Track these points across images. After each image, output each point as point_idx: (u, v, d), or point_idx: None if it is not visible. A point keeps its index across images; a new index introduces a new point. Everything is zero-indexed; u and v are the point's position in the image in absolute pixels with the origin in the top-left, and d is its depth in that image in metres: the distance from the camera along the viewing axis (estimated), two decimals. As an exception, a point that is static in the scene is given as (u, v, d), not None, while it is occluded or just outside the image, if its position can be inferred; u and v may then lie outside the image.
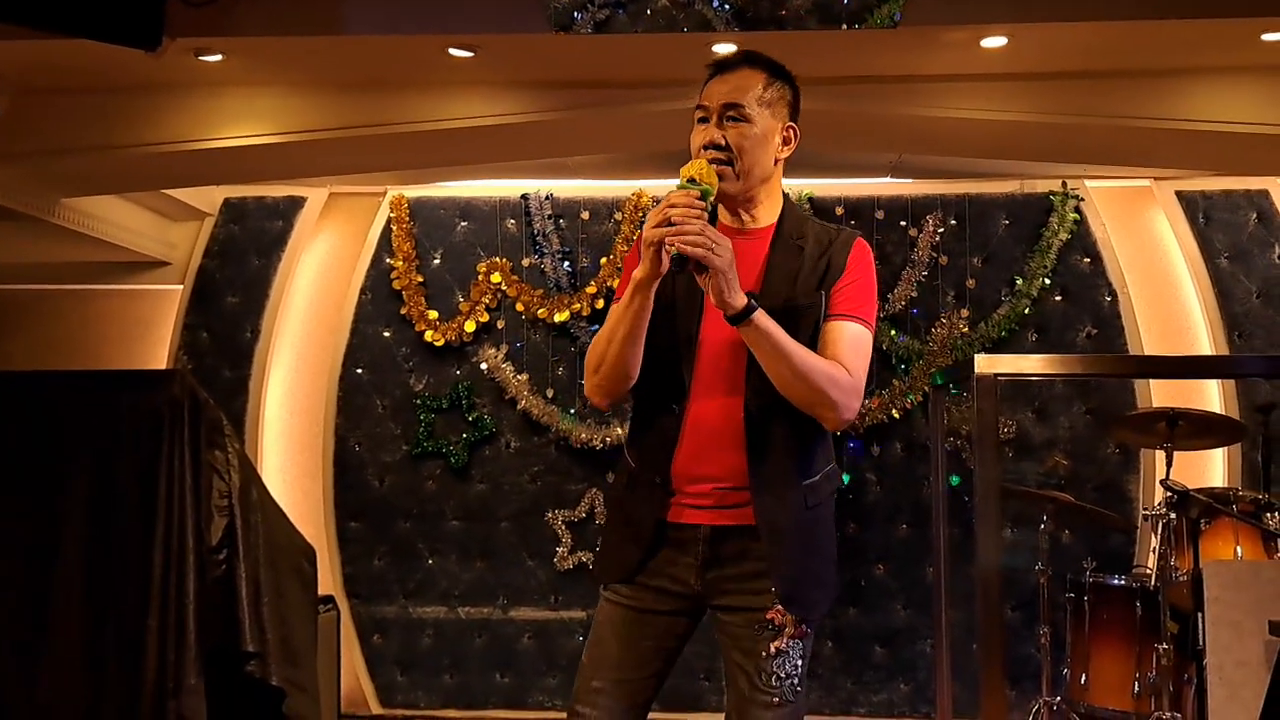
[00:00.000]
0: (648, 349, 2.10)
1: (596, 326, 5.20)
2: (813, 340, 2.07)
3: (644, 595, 2.13)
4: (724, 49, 3.59)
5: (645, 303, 2.03)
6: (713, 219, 2.02)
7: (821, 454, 2.15)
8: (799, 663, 2.08)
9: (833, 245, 2.14)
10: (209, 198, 5.29)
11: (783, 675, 2.06)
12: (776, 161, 2.17)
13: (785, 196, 2.23)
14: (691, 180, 1.99)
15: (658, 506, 2.11)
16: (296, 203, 5.33)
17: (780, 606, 2.06)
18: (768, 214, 2.18)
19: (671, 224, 1.92)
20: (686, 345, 2.10)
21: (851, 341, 2.07)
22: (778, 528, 2.06)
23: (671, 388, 2.10)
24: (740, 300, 1.93)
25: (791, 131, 2.20)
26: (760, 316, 1.95)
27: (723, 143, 2.09)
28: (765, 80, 2.15)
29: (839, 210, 5.23)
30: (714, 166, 2.05)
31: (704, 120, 2.12)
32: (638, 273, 2.00)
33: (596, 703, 2.12)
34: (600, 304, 5.22)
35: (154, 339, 5.40)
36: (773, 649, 2.06)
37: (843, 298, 2.10)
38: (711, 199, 2.01)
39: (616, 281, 5.19)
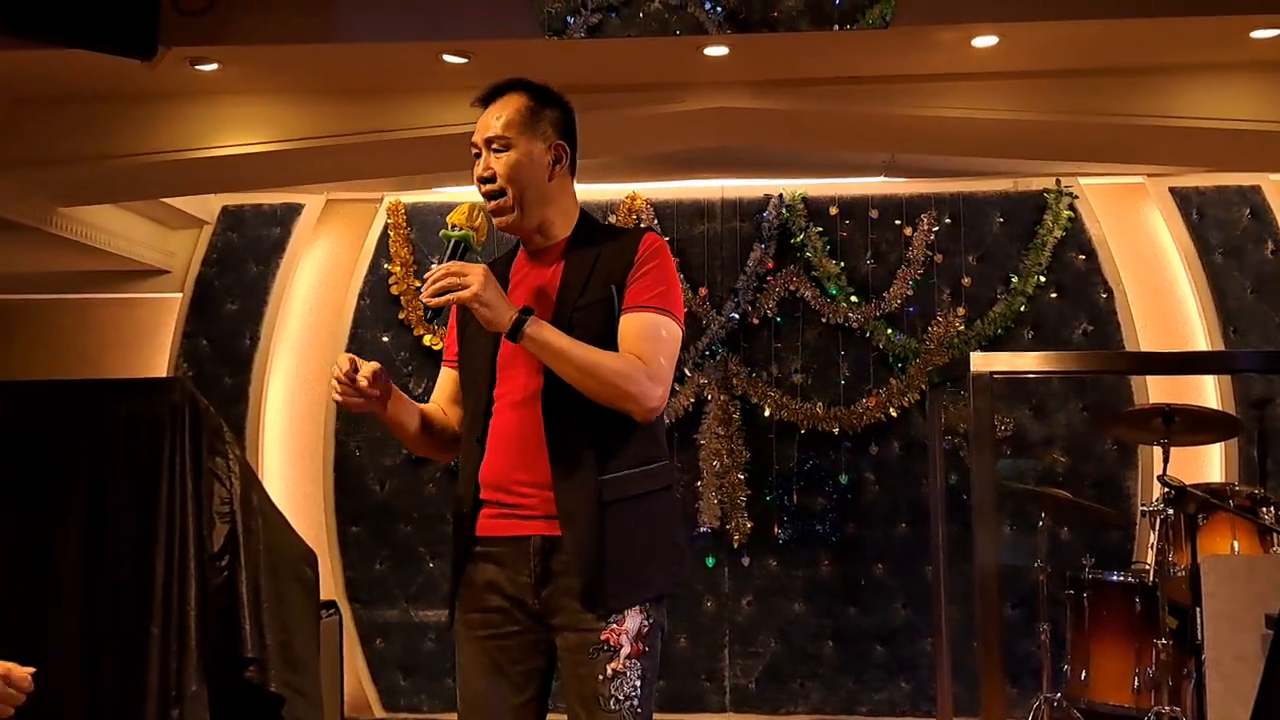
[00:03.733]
0: (462, 380, 2.19)
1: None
2: (613, 335, 2.07)
3: (492, 618, 2.07)
4: (716, 51, 3.61)
5: (388, 417, 2.11)
6: (465, 254, 2.07)
7: (628, 451, 2.07)
8: (638, 684, 2.01)
9: (623, 243, 2.14)
10: (207, 206, 5.30)
11: (620, 698, 1.99)
12: (552, 179, 2.15)
13: (582, 211, 2.23)
14: (454, 226, 2.08)
15: (471, 523, 2.10)
16: (294, 210, 5.35)
17: (614, 626, 2.00)
18: (562, 229, 2.18)
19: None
20: (487, 364, 2.12)
21: (644, 331, 2.05)
22: (572, 521, 2.00)
23: (478, 410, 2.12)
24: (506, 318, 1.96)
25: (561, 149, 2.16)
26: (532, 327, 1.96)
27: (490, 174, 2.11)
28: (521, 102, 2.16)
29: (833, 210, 5.25)
30: (486, 202, 2.11)
31: (477, 155, 2.14)
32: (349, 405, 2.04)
33: None
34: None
35: (154, 347, 5.41)
36: (609, 671, 1.99)
37: (635, 290, 2.08)
38: (473, 239, 2.08)
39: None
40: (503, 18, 3.47)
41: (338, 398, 2.02)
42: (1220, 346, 4.93)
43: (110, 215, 4.88)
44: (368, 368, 2.00)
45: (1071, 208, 5.17)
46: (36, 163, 4.07)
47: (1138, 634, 3.85)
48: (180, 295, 5.37)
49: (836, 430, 5.17)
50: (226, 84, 3.91)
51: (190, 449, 4.24)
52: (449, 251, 2.07)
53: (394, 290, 5.32)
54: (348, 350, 5.34)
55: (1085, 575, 4.03)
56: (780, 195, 5.28)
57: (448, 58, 3.65)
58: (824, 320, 5.22)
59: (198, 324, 5.34)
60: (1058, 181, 5.18)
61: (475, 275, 1.97)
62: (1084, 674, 3.97)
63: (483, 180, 2.11)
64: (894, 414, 5.15)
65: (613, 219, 5.26)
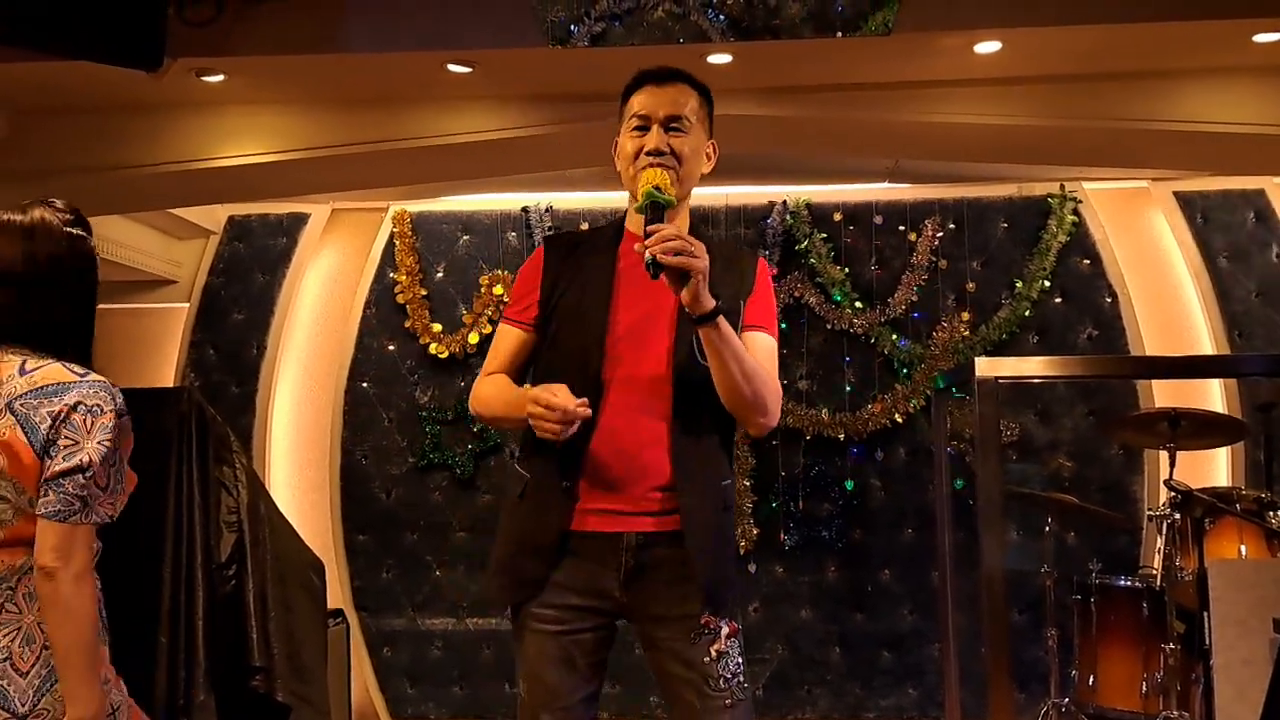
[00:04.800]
0: (558, 354, 2.13)
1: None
2: None
3: (567, 616, 2.08)
4: (720, 59, 3.62)
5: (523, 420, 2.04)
6: (661, 220, 2.02)
7: (730, 459, 2.20)
8: (740, 660, 2.08)
9: (741, 260, 2.20)
10: (213, 216, 5.32)
11: (729, 676, 2.05)
12: (702, 176, 2.20)
13: (692, 214, 2.25)
14: (657, 189, 2.02)
15: (563, 517, 2.06)
16: (300, 219, 5.37)
17: (712, 614, 2.06)
18: (682, 225, 2.16)
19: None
20: (596, 350, 2.08)
21: (768, 352, 2.12)
22: (703, 530, 2.05)
23: (588, 388, 2.04)
24: (710, 301, 1.94)
25: (713, 148, 2.23)
26: (723, 319, 1.97)
27: (667, 149, 2.10)
28: (698, 97, 2.19)
29: (837, 216, 5.25)
30: (665, 173, 2.07)
31: (641, 129, 2.14)
32: (528, 416, 1.99)
33: None
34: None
35: (161, 357, 5.43)
36: (714, 653, 2.05)
37: (756, 310, 2.14)
38: (673, 206, 2.05)
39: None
40: (507, 27, 3.48)
41: (555, 433, 1.95)
42: (1225, 350, 4.92)
43: (117, 226, 4.90)
44: (571, 400, 1.95)
45: (1076, 212, 5.17)
46: (43, 174, 4.09)
47: (1145, 639, 3.84)
48: (187, 305, 5.39)
49: (842, 436, 5.17)
50: (232, 95, 3.93)
51: (197, 458, 4.25)
52: (650, 212, 2.00)
53: (400, 299, 5.34)
54: (353, 360, 5.36)
55: (1092, 580, 4.03)
56: (784, 202, 5.29)
57: (452, 67, 3.66)
58: (829, 326, 5.23)
59: (205, 334, 5.36)
60: (1062, 186, 5.18)
61: (703, 249, 1.93)
62: (1092, 679, 3.96)
63: (656, 153, 2.09)
64: (899, 419, 5.16)
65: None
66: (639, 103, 2.16)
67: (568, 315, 2.13)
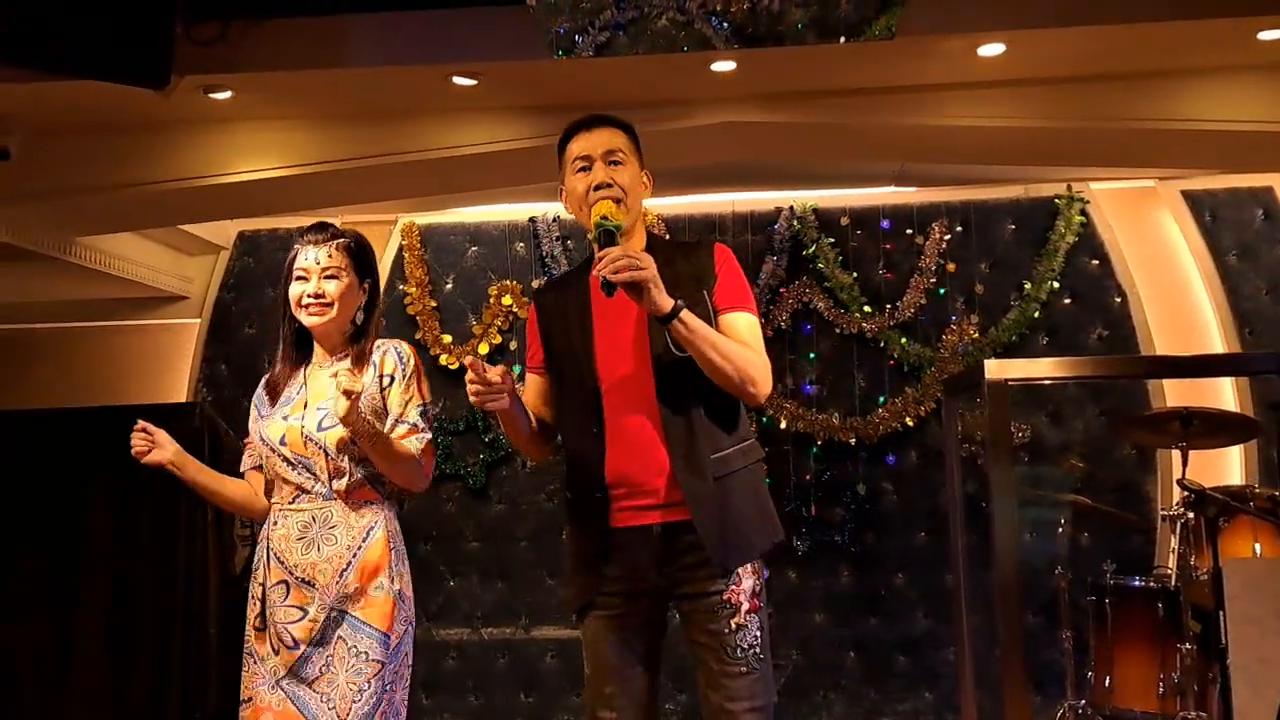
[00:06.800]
0: (563, 384, 2.41)
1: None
2: None
3: (614, 601, 2.34)
4: (724, 67, 3.64)
5: (503, 416, 2.35)
6: (613, 242, 2.24)
7: (730, 434, 2.35)
8: (758, 634, 2.30)
9: (698, 254, 2.41)
10: (223, 231, 5.35)
11: (745, 646, 2.28)
12: (642, 199, 2.46)
13: (647, 229, 2.52)
14: (604, 218, 2.26)
15: (602, 518, 2.32)
16: (309, 233, 5.38)
17: (734, 585, 2.28)
18: (637, 244, 2.42)
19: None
20: (588, 367, 2.34)
21: (748, 328, 2.34)
22: (697, 500, 2.26)
23: (587, 410, 2.33)
24: (668, 303, 2.16)
25: (649, 176, 2.48)
26: (687, 313, 2.19)
27: (611, 181, 2.36)
28: (625, 135, 2.45)
29: (844, 221, 5.26)
30: (612, 203, 2.32)
31: (585, 169, 2.39)
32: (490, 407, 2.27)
33: (614, 704, 2.33)
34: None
35: (173, 372, 5.46)
36: (733, 625, 2.28)
37: (724, 293, 2.35)
38: (621, 230, 2.28)
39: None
40: (511, 39, 3.50)
41: (475, 399, 2.22)
42: (1236, 348, 4.91)
43: (128, 243, 4.93)
44: (495, 369, 2.23)
45: (1083, 213, 5.17)
46: (55, 193, 4.12)
47: (1161, 639, 3.82)
48: (199, 321, 5.42)
49: (853, 441, 5.17)
50: (240, 111, 3.95)
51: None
52: (603, 239, 2.23)
53: (410, 310, 5.35)
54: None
55: (1107, 581, 4.01)
56: (791, 207, 5.29)
57: (457, 79, 3.68)
58: (838, 331, 5.23)
59: (216, 349, 5.38)
60: (1069, 187, 5.18)
61: (649, 260, 2.16)
62: (1108, 680, 3.94)
63: (602, 186, 2.35)
64: (910, 423, 5.15)
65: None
66: (577, 148, 2.43)
67: (561, 349, 2.42)
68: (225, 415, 4.74)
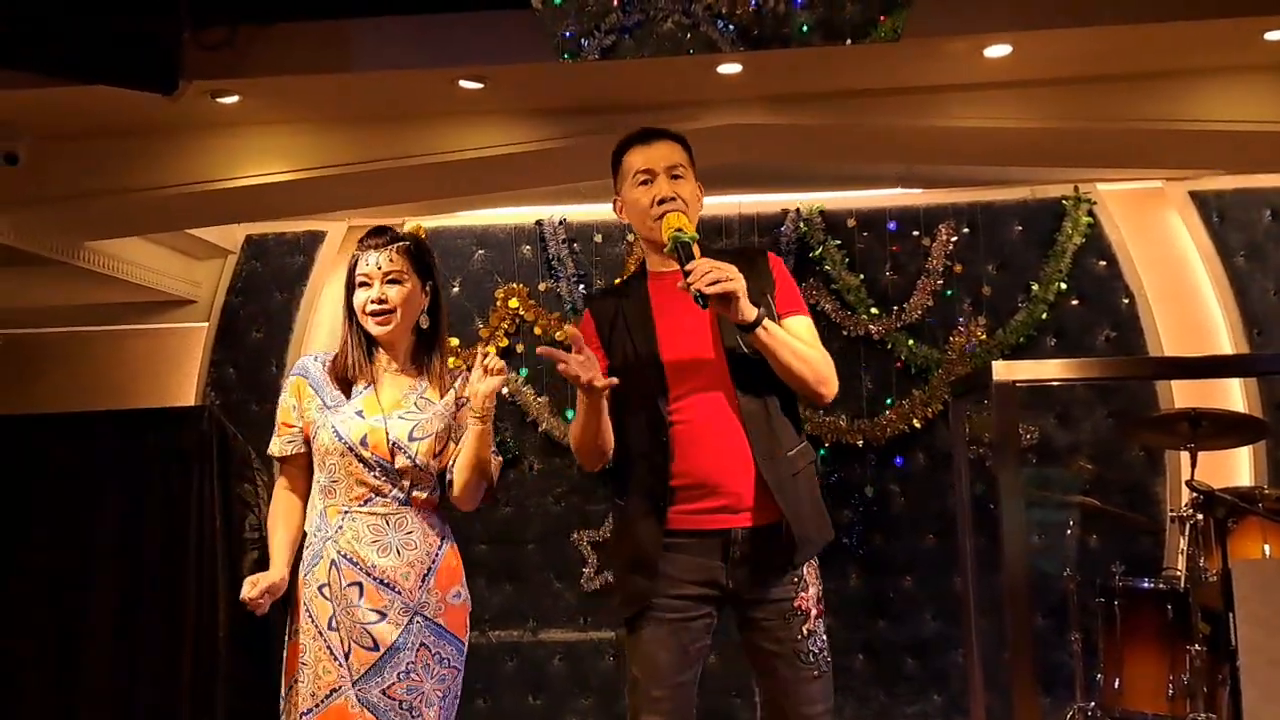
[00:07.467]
0: (624, 388, 2.35)
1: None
2: None
3: (681, 605, 2.34)
4: (730, 69, 3.64)
5: (593, 408, 2.32)
6: (691, 256, 2.26)
7: (797, 434, 2.43)
8: (824, 639, 2.40)
9: (756, 261, 2.44)
10: (231, 235, 5.37)
11: (815, 651, 2.37)
12: (697, 213, 2.48)
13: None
14: (680, 230, 2.28)
15: (658, 527, 2.32)
16: (317, 237, 5.41)
17: (803, 593, 2.36)
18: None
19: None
20: (656, 373, 2.36)
21: (809, 330, 2.42)
22: (782, 494, 2.31)
23: (653, 414, 2.34)
24: (753, 311, 2.22)
25: (702, 189, 2.51)
26: (768, 320, 2.26)
27: (674, 195, 2.39)
28: (684, 150, 2.48)
29: (851, 223, 5.25)
30: (684, 216, 2.35)
31: (647, 182, 2.42)
32: (582, 396, 2.29)
33: (661, 710, 2.35)
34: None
35: (181, 376, 5.47)
36: (805, 631, 2.36)
37: (783, 299, 2.42)
38: (696, 242, 2.30)
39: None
40: (517, 42, 3.51)
41: (579, 371, 2.22)
42: (1244, 349, 4.90)
43: (137, 247, 4.95)
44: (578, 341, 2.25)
45: (1090, 214, 5.16)
46: (63, 197, 4.14)
47: (1171, 641, 3.81)
48: (206, 325, 5.43)
49: (861, 443, 5.17)
50: (247, 115, 3.96)
51: (219, 476, 4.29)
52: (683, 252, 2.26)
53: (416, 314, 5.35)
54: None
55: (1116, 583, 4.00)
56: (797, 209, 5.29)
57: (464, 83, 3.69)
58: (845, 333, 5.22)
59: (224, 353, 5.39)
60: (1076, 188, 5.17)
61: (736, 271, 2.20)
62: (1118, 682, 3.94)
63: (665, 200, 2.38)
64: (918, 425, 5.14)
65: (630, 238, 5.28)
66: (638, 160, 2.44)
67: (623, 356, 2.42)
68: (233, 419, 4.75)
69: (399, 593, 2.45)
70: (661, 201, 2.37)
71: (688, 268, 2.18)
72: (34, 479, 4.39)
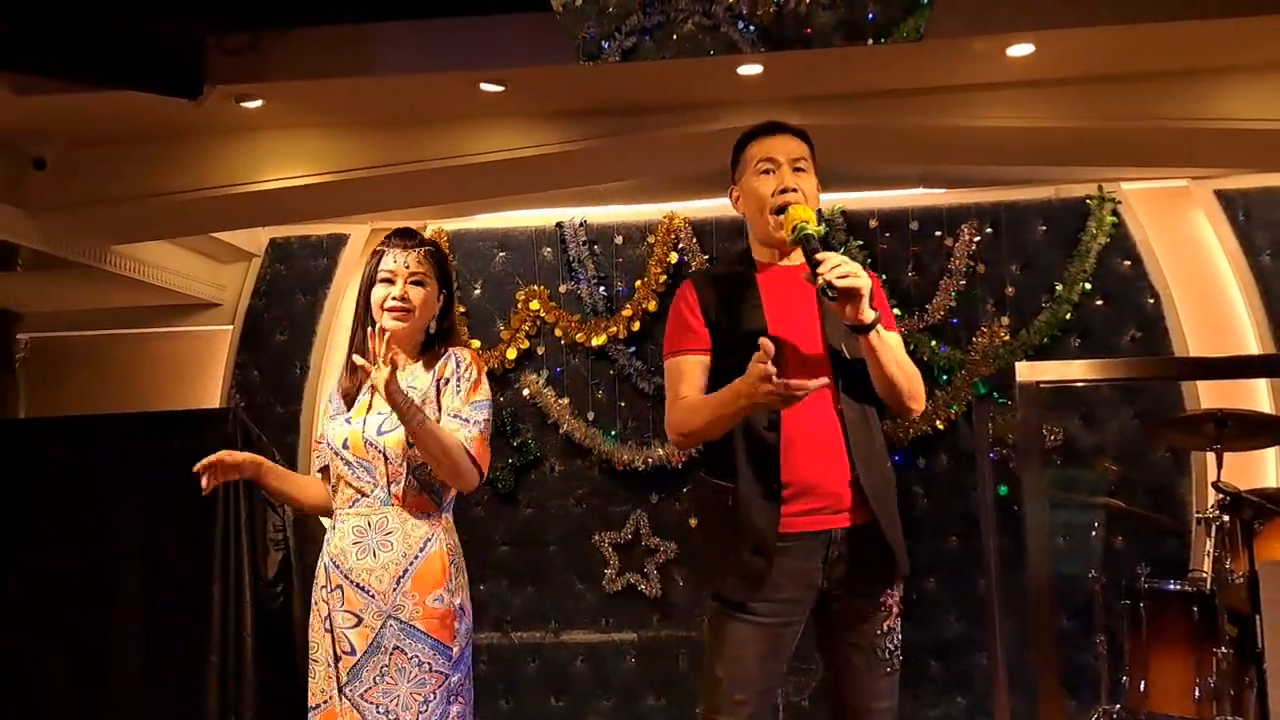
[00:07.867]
0: (722, 375, 2.31)
1: (634, 349, 5.24)
2: None
3: (778, 609, 2.33)
4: (751, 70, 3.64)
5: (749, 410, 2.24)
6: (816, 249, 2.25)
7: (885, 447, 2.45)
8: (899, 637, 2.42)
9: None
10: (255, 239, 5.41)
11: (892, 648, 2.40)
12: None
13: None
14: (805, 223, 2.28)
15: (774, 520, 2.29)
16: (339, 240, 5.44)
17: (890, 590, 2.39)
18: (796, 253, 2.43)
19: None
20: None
21: (900, 346, 2.39)
22: (879, 500, 2.34)
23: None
24: (871, 313, 2.22)
25: (819, 186, 2.51)
26: (880, 325, 2.26)
27: (796, 187, 2.39)
28: (808, 146, 2.49)
29: (873, 223, 5.24)
30: (809, 209, 2.35)
31: (769, 171, 2.42)
32: (748, 399, 2.18)
33: (741, 713, 2.32)
34: (636, 326, 5.25)
35: (206, 379, 5.51)
36: (885, 628, 2.38)
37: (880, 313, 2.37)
38: (820, 236, 2.29)
39: (652, 304, 5.23)
40: (537, 45, 3.52)
41: (774, 388, 2.12)
42: (1271, 349, 4.85)
43: (162, 251, 4.99)
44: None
45: (1115, 213, 5.12)
46: (90, 202, 4.18)
47: (1197, 643, 3.78)
48: (231, 327, 5.47)
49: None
50: (271, 119, 3.99)
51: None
52: (806, 244, 2.26)
53: (438, 316, 5.38)
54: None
55: (1141, 585, 3.97)
56: (819, 210, 5.27)
57: (484, 86, 3.70)
58: (867, 334, 5.20)
59: (249, 355, 5.43)
60: (1100, 187, 5.13)
61: (862, 270, 2.20)
62: (1143, 685, 3.90)
63: (788, 190, 2.39)
64: (941, 426, 5.12)
65: (651, 239, 5.29)
66: (762, 149, 2.45)
67: (730, 338, 2.37)
68: (257, 421, 4.78)
69: (373, 596, 2.44)
70: (784, 191, 2.38)
71: (819, 257, 2.18)
72: (60, 481, 4.44)
